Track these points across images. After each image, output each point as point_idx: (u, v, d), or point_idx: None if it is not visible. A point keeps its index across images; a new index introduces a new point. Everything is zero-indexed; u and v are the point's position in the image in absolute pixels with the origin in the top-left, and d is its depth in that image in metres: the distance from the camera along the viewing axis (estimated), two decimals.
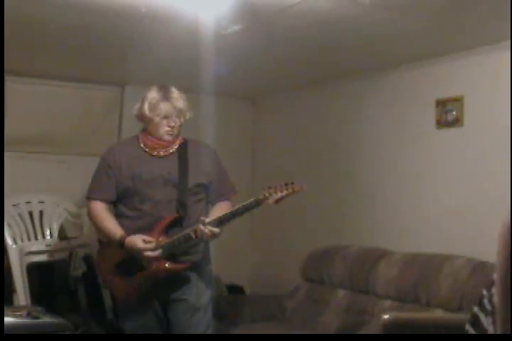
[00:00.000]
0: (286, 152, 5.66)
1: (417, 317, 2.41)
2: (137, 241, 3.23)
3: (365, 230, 4.80)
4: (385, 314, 1.83)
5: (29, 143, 5.38)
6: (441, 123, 4.23)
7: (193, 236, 3.24)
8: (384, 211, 4.68)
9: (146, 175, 3.36)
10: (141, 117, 3.41)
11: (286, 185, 3.18)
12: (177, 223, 3.34)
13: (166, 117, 3.33)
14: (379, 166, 4.74)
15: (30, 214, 4.85)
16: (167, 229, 3.33)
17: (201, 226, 3.19)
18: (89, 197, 3.47)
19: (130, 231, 3.32)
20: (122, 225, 3.35)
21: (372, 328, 3.69)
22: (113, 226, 3.34)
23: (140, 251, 3.23)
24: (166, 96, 3.33)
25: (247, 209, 3.19)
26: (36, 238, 4.77)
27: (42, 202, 4.95)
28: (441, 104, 4.21)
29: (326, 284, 4.58)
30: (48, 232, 4.84)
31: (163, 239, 3.29)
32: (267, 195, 3.16)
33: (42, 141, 5.43)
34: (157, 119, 3.34)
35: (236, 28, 3.73)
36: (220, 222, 3.21)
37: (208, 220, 3.22)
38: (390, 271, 4.11)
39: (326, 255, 4.68)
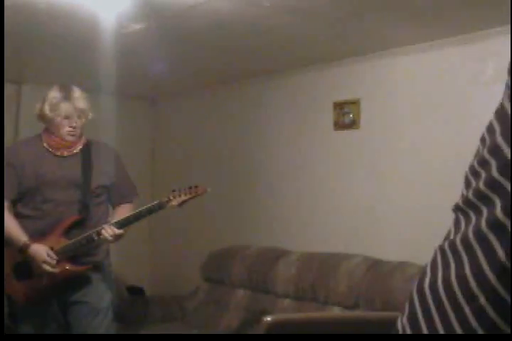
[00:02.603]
0: (187, 153, 5.67)
1: (299, 318, 2.48)
2: (42, 253, 3.19)
3: (263, 230, 4.87)
4: (267, 316, 1.89)
5: None
6: (339, 125, 4.33)
7: (96, 237, 3.21)
8: (282, 211, 4.76)
9: (49, 175, 3.31)
10: (42, 117, 3.35)
11: (190, 188, 3.22)
12: (79, 224, 3.31)
13: (67, 117, 3.29)
14: (278, 167, 4.82)
15: None
16: (68, 231, 3.29)
17: (106, 227, 3.18)
18: None
19: (30, 232, 3.26)
20: (22, 225, 3.28)
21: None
22: (16, 231, 3.26)
23: (40, 262, 3.19)
24: (67, 96, 3.29)
25: (151, 211, 3.20)
26: None
27: None
28: (339, 106, 4.31)
29: (225, 284, 4.62)
30: None
31: (63, 240, 3.25)
32: (171, 197, 3.19)
33: None
34: (58, 119, 3.29)
35: (136, 27, 3.69)
36: (124, 223, 3.21)
37: (114, 221, 3.21)
38: (288, 270, 4.19)
39: (226, 255, 4.72)
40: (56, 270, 3.20)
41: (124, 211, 3.40)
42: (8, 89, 5.42)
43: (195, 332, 4.25)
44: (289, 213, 4.72)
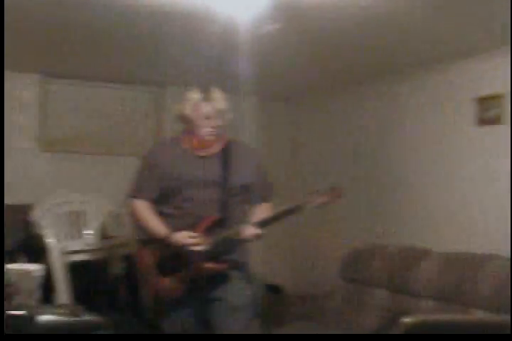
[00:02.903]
0: (326, 153, 5.66)
1: (440, 319, 2.39)
2: (184, 236, 3.26)
3: (402, 229, 4.79)
4: (406, 317, 1.83)
5: (69, 144, 5.46)
6: (483, 121, 4.18)
7: (235, 237, 3.25)
8: (420, 210, 4.68)
9: (189, 175, 3.37)
10: (183, 118, 3.42)
11: (327, 190, 3.19)
12: (218, 223, 3.34)
13: (207, 118, 3.34)
14: (418, 165, 4.72)
15: (71, 213, 4.92)
16: (209, 229, 3.32)
17: (246, 227, 3.22)
18: (131, 196, 3.49)
19: (171, 229, 3.34)
20: (164, 224, 3.37)
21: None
22: (157, 225, 3.37)
23: (186, 245, 3.26)
24: (207, 97, 3.34)
25: (289, 213, 3.21)
26: (77, 237, 4.83)
27: (83, 202, 5.02)
28: (482, 101, 4.16)
29: (365, 284, 4.56)
30: (88, 232, 4.90)
31: (205, 239, 3.31)
32: (309, 200, 3.16)
33: (82, 142, 5.50)
34: (199, 120, 3.35)
35: (271, 27, 3.72)
36: (264, 223, 3.24)
37: (254, 221, 3.24)
38: (430, 270, 4.07)
39: (365, 254, 4.66)
40: (204, 248, 3.26)
41: (262, 211, 3.42)
42: (153, 92, 5.64)
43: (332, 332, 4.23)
44: (427, 212, 4.61)
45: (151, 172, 3.43)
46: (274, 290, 5.57)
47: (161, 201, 3.45)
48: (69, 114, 5.43)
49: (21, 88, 5.29)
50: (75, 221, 4.90)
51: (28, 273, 2.68)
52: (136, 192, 3.48)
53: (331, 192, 3.21)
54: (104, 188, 5.18)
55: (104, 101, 5.52)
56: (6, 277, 2.62)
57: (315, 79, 5.22)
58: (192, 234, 3.28)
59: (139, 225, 3.49)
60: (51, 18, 3.63)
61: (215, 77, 4.47)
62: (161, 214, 3.43)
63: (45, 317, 2.77)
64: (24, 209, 4.89)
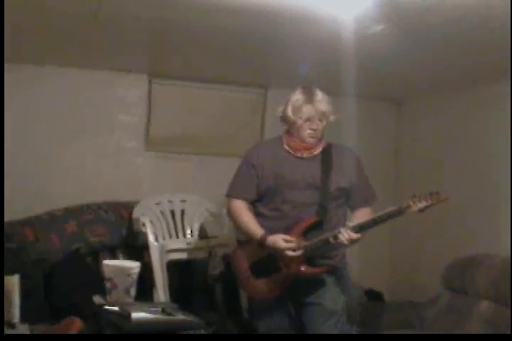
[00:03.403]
0: (432, 156, 5.49)
1: None
2: (279, 240, 3.22)
3: (505, 239, 4.57)
4: None
5: (172, 144, 5.55)
6: None
7: (332, 240, 3.19)
8: None
9: (288, 176, 3.34)
10: (284, 119, 3.40)
11: (431, 194, 3.07)
12: (316, 226, 3.30)
13: (308, 120, 3.30)
14: None
15: (172, 212, 4.97)
16: (306, 232, 3.29)
17: (343, 231, 3.14)
18: (229, 195, 3.49)
19: (269, 231, 3.32)
20: (261, 225, 3.36)
21: None
22: (254, 226, 3.35)
23: (281, 250, 3.21)
24: (309, 99, 3.30)
25: (390, 217, 3.10)
26: (177, 236, 4.88)
27: (184, 201, 5.06)
28: None
29: (468, 294, 4.38)
30: (188, 231, 4.94)
31: (301, 242, 3.26)
32: (410, 203, 3.06)
33: (185, 142, 5.57)
34: (300, 122, 3.32)
35: (379, 27, 3.64)
36: (362, 227, 3.15)
37: (351, 224, 3.16)
38: None
39: (470, 263, 4.46)
40: (298, 253, 3.21)
41: (362, 214, 3.36)
42: (255, 93, 5.64)
43: None
44: None
45: (250, 173, 3.42)
46: (373, 295, 5.47)
47: (260, 202, 3.45)
48: (174, 114, 5.49)
49: (129, 88, 5.41)
50: (176, 220, 4.94)
51: (124, 269, 2.72)
52: (235, 192, 3.48)
53: (434, 196, 3.07)
54: (205, 188, 5.22)
55: (208, 102, 5.55)
56: (104, 272, 2.67)
57: (423, 80, 5.04)
58: (288, 237, 3.24)
59: (235, 225, 3.49)
60: (160, 19, 3.68)
61: (318, 78, 4.48)
62: (259, 216, 3.42)
63: (139, 315, 2.80)
64: (128, 207, 4.99)
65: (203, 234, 4.96)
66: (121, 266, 2.75)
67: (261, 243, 3.28)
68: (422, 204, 3.06)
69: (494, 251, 4.48)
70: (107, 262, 2.81)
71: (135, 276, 2.72)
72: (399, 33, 3.70)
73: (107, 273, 2.70)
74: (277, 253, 3.25)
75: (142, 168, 5.41)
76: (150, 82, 5.44)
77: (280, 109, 3.43)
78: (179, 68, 5.17)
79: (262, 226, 3.35)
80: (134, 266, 2.70)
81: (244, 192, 3.45)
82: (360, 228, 3.16)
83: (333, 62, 4.21)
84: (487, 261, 4.34)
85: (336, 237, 3.17)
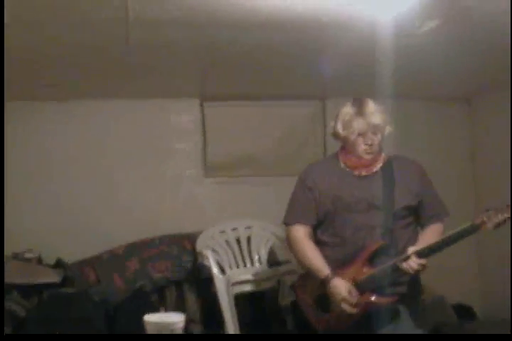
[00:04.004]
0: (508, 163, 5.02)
1: None
2: (342, 289, 2.92)
3: None
4: None
5: (232, 168, 5.32)
6: None
7: (399, 268, 2.86)
8: None
9: (347, 197, 3.03)
10: (336, 135, 3.10)
11: (507, 206, 2.72)
12: (383, 251, 2.96)
13: (361, 134, 2.98)
14: None
15: (238, 240, 4.74)
16: (372, 258, 2.97)
17: (409, 258, 2.82)
18: (287, 223, 3.20)
19: (331, 261, 3.02)
20: (322, 253, 3.05)
21: None
22: (317, 262, 3.03)
23: (339, 300, 2.92)
24: (360, 112, 2.98)
25: (462, 236, 2.78)
26: (245, 265, 4.64)
27: (249, 228, 4.83)
28: None
29: None
30: (256, 258, 4.70)
31: (367, 269, 2.95)
32: (485, 219, 2.72)
33: (245, 164, 5.33)
34: (352, 137, 3.00)
35: (432, 24, 3.34)
36: (430, 251, 2.82)
37: (414, 249, 2.83)
38: None
39: None
40: (354, 310, 2.90)
41: (431, 233, 3.03)
42: (313, 106, 5.36)
43: None
44: None
45: (307, 196, 3.12)
46: (463, 311, 5.06)
47: (319, 228, 3.14)
48: (230, 136, 5.27)
49: (181, 113, 5.22)
50: (242, 248, 4.69)
51: (166, 326, 2.47)
52: (293, 218, 3.17)
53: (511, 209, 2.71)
54: (270, 212, 4.90)
55: (264, 120, 5.30)
56: (146, 330, 2.43)
57: (493, 77, 4.67)
58: (353, 290, 2.91)
59: (296, 258, 3.18)
60: (205, 39, 3.56)
61: (372, 83, 4.19)
62: (318, 243, 3.12)
63: None
64: (191, 238, 4.78)
65: (272, 261, 4.69)
66: (163, 323, 2.49)
67: (324, 283, 2.98)
68: (498, 219, 2.72)
69: None
70: (147, 318, 2.55)
71: (179, 331, 2.47)
72: (453, 26, 3.40)
73: (148, 330, 2.46)
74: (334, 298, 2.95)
75: (203, 195, 5.21)
76: (202, 105, 5.24)
77: (331, 124, 3.13)
78: (230, 88, 4.99)
79: (323, 255, 3.05)
80: (176, 320, 2.44)
81: (303, 218, 3.13)
82: (428, 252, 2.82)
83: (389, 67, 3.90)
84: None
85: (401, 264, 2.85)
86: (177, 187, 5.16)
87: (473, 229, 2.75)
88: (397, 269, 2.86)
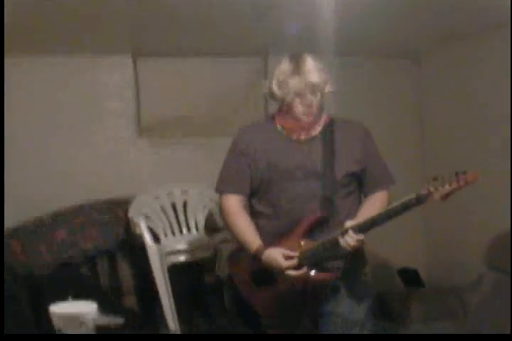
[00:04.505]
0: (460, 119, 4.79)
1: None
2: (277, 257, 2.67)
3: None
4: None
5: (165, 128, 4.98)
6: None
7: (335, 243, 2.63)
8: None
9: (284, 164, 2.77)
10: (271, 96, 2.79)
11: (456, 175, 2.47)
12: (323, 223, 2.73)
13: (298, 95, 2.70)
14: None
15: (174, 206, 4.47)
16: (310, 231, 2.72)
17: (346, 233, 2.58)
18: (219, 190, 2.94)
19: (265, 233, 2.78)
20: (256, 225, 2.81)
21: None
22: (249, 234, 2.79)
23: (281, 269, 2.67)
24: (297, 70, 2.68)
25: (406, 208, 2.52)
26: (181, 232, 4.39)
27: (185, 192, 4.55)
28: None
29: None
30: (193, 225, 4.46)
31: (305, 243, 2.70)
32: (431, 189, 2.48)
33: (181, 125, 5.01)
34: (289, 98, 2.70)
35: None
36: (370, 225, 2.57)
37: (350, 224, 2.60)
38: None
39: None
40: (300, 273, 2.66)
41: (374, 203, 2.79)
42: (254, 63, 5.03)
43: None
44: None
45: (240, 162, 2.86)
46: (408, 275, 4.92)
47: (253, 197, 2.88)
48: (166, 95, 4.92)
49: (113, 71, 4.86)
50: (177, 214, 4.43)
51: (75, 317, 2.18)
52: (226, 187, 2.91)
53: (461, 177, 2.46)
54: (207, 175, 4.63)
55: (202, 78, 4.96)
56: (52, 321, 2.15)
57: (440, 28, 4.38)
58: (289, 253, 2.68)
59: (229, 230, 2.92)
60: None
61: (317, 40, 3.91)
62: (253, 214, 2.87)
63: None
64: (124, 205, 4.48)
65: (209, 227, 4.45)
66: (71, 314, 2.20)
67: (256, 257, 2.73)
68: (446, 189, 2.47)
69: None
70: (53, 308, 2.27)
71: (91, 322, 2.19)
72: None
73: (55, 322, 2.17)
74: (276, 271, 2.70)
75: (136, 158, 4.88)
76: (135, 62, 4.87)
77: (265, 83, 2.83)
78: (165, 44, 4.63)
79: (258, 227, 2.81)
80: (87, 310, 2.15)
81: (235, 186, 2.87)
82: (363, 228, 2.58)
83: (329, 22, 3.66)
84: None
85: (337, 240, 2.61)
86: (109, 149, 4.82)
87: (418, 201, 2.50)
88: (336, 244, 2.62)
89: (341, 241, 2.58)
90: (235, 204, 2.86)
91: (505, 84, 4.16)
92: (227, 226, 2.91)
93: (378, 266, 4.81)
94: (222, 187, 2.93)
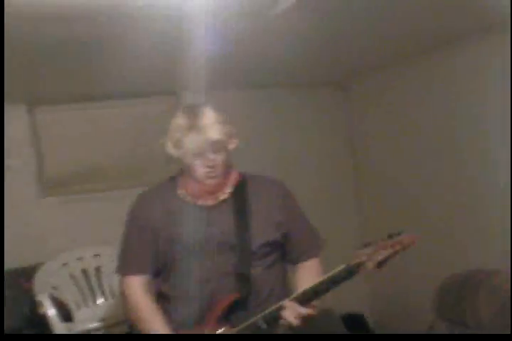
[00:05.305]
0: (393, 150, 4.47)
1: None
2: None
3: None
4: None
5: (74, 183, 4.49)
6: None
7: (265, 325, 2.18)
8: None
9: (189, 237, 2.33)
10: (168, 157, 2.36)
11: (391, 238, 2.12)
12: (240, 304, 2.30)
13: (197, 155, 2.27)
14: None
15: (84, 272, 3.98)
16: (228, 315, 2.28)
17: (287, 306, 2.18)
18: (119, 272, 2.47)
19: (174, 320, 2.33)
20: (163, 311, 2.36)
21: None
22: (154, 323, 2.33)
23: None
24: (193, 125, 2.26)
25: (336, 282, 2.14)
26: (95, 301, 3.90)
27: (97, 256, 4.09)
28: None
29: (470, 327, 3.39)
30: (108, 292, 3.99)
31: (224, 332, 2.26)
32: (363, 258, 2.10)
33: (90, 177, 4.53)
34: (187, 159, 2.28)
35: (286, 5, 2.73)
36: (311, 297, 2.19)
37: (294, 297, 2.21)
38: None
39: (466, 284, 3.49)
40: None
41: (305, 276, 2.40)
42: (164, 101, 4.60)
43: None
44: None
45: (140, 236, 2.41)
46: (353, 321, 4.55)
47: (160, 275, 2.43)
48: (69, 145, 4.44)
49: (8, 122, 4.33)
50: (90, 281, 3.94)
51: None
52: (124, 267, 2.46)
53: (396, 240, 2.14)
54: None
55: (109, 122, 4.51)
56: None
57: (368, 57, 4.09)
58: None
59: (132, 318, 2.44)
60: None
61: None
62: (160, 297, 2.41)
63: None
64: (29, 275, 3.96)
65: None
66: None
67: None
68: (380, 257, 2.13)
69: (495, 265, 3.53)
70: None
71: None
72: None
73: None
74: None
75: (41, 219, 4.35)
76: (31, 111, 4.37)
77: (161, 142, 2.39)
78: (63, 89, 4.18)
79: (166, 312, 2.35)
80: None
81: (136, 267, 2.42)
82: (307, 298, 2.19)
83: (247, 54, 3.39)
84: (489, 281, 3.37)
85: (273, 320, 2.19)
86: (10, 212, 4.27)
87: (349, 273, 2.14)
88: (265, 325, 2.21)
89: (287, 316, 2.17)
90: (135, 287, 2.41)
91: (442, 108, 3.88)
92: (129, 315, 2.44)
93: (322, 314, 4.40)
94: (121, 267, 2.47)
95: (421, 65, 4.11)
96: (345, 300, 4.62)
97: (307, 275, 2.40)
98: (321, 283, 2.17)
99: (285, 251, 2.45)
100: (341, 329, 4.41)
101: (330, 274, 2.15)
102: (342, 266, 2.14)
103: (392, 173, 4.46)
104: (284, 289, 2.40)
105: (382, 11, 2.96)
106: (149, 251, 2.39)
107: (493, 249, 3.78)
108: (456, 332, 3.47)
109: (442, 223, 4.07)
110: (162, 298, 2.40)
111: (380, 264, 2.13)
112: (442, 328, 3.59)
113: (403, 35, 3.54)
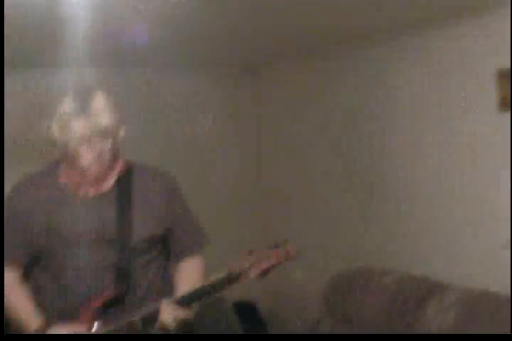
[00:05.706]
0: (299, 139, 4.42)
1: None
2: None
3: (404, 248, 3.63)
4: None
5: None
6: (507, 104, 2.98)
7: (140, 326, 2.12)
8: (429, 222, 3.48)
9: (67, 228, 2.24)
10: (51, 142, 2.22)
11: (275, 247, 2.13)
12: (117, 301, 2.22)
13: (84, 140, 2.14)
14: (420, 162, 3.52)
15: None
16: (103, 312, 2.20)
17: (164, 308, 2.15)
18: None
19: (50, 312, 2.24)
20: (37, 303, 2.27)
21: None
22: (24, 312, 2.25)
23: None
24: (82, 110, 2.14)
25: (216, 290, 2.14)
26: None
27: None
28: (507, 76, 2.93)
29: (353, 323, 3.41)
30: None
31: (97, 330, 2.18)
32: (246, 266, 2.07)
33: None
34: (72, 144, 2.14)
35: None
36: (190, 300, 2.18)
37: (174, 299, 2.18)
38: (443, 315, 2.92)
39: (354, 281, 3.50)
40: None
41: (188, 272, 2.37)
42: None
43: None
44: (439, 225, 3.42)
45: (14, 223, 2.30)
46: (245, 309, 4.56)
47: (36, 267, 2.34)
48: None
49: None
50: None
51: None
52: None
53: (279, 251, 2.15)
54: None
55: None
56: None
57: (279, 42, 3.96)
58: (75, 328, 2.16)
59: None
60: None
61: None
62: (36, 289, 2.32)
63: None
64: None
65: None
66: None
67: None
68: (263, 266, 2.13)
69: (383, 263, 3.56)
70: None
71: None
72: None
73: None
74: None
75: None
76: (4, 79, 3.91)
77: (45, 124, 2.24)
78: None
79: (39, 304, 2.26)
80: None
81: (9, 254, 2.30)
82: (186, 301, 2.17)
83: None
84: (377, 279, 3.38)
85: (150, 321, 2.14)
86: None
87: (230, 281, 2.14)
88: (140, 326, 2.15)
89: (163, 319, 2.14)
90: (8, 277, 2.30)
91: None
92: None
93: (213, 303, 4.35)
94: None
95: (336, 55, 4.05)
96: (237, 288, 4.61)
97: (189, 275, 2.36)
98: (202, 289, 2.15)
99: (166, 249, 2.40)
100: (233, 318, 4.39)
101: (211, 280, 2.14)
102: (223, 274, 2.12)
103: (299, 163, 4.41)
104: (165, 286, 2.34)
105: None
106: (21, 239, 2.29)
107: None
108: (341, 329, 3.49)
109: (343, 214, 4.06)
110: (38, 291, 2.31)
111: (261, 274, 2.12)
112: (328, 324, 3.61)
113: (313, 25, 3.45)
